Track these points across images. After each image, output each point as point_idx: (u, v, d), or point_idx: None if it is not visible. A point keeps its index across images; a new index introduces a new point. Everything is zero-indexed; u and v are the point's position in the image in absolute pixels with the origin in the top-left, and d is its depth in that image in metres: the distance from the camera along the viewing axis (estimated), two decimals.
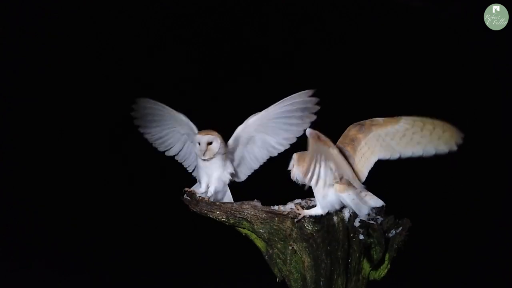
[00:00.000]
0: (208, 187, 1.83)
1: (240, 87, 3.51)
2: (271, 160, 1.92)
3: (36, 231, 3.37)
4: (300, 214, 1.56)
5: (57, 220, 3.39)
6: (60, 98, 3.51)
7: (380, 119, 1.63)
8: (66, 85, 3.53)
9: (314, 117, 1.76)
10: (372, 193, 1.55)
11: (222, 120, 1.83)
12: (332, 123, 1.52)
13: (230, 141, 1.86)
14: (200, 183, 1.88)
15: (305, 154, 1.53)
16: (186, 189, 1.79)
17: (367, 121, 1.64)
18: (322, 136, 1.42)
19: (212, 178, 1.84)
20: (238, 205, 1.65)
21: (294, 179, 1.59)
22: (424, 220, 1.82)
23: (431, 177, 3.38)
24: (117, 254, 3.35)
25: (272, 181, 1.81)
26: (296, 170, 1.57)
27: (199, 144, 1.79)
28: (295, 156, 1.60)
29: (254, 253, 1.70)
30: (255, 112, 1.85)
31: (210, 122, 1.88)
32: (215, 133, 1.81)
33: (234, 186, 1.94)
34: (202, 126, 1.85)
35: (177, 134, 1.93)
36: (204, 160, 1.80)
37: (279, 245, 1.60)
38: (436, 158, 1.59)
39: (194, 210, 1.70)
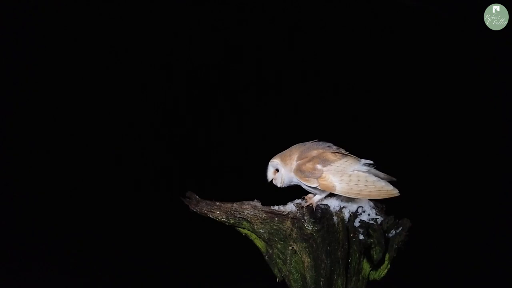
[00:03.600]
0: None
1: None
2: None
3: (36, 231, 3.38)
4: (311, 203, 1.55)
5: (57, 220, 3.40)
6: (60, 98, 3.52)
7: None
8: (66, 84, 3.54)
9: None
10: None
11: None
12: (332, 122, 1.52)
13: None
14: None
15: (285, 154, 1.56)
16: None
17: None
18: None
19: None
20: (238, 205, 1.64)
21: (281, 184, 1.60)
22: (424, 220, 1.82)
23: (431, 177, 3.38)
24: (117, 254, 3.35)
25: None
26: (284, 171, 1.58)
27: None
28: (276, 161, 1.60)
29: (254, 253, 1.69)
30: None
31: None
32: None
33: (234, 186, 1.94)
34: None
35: None
36: None
37: (279, 245, 1.59)
38: (436, 159, 1.59)
39: (194, 210, 1.70)
